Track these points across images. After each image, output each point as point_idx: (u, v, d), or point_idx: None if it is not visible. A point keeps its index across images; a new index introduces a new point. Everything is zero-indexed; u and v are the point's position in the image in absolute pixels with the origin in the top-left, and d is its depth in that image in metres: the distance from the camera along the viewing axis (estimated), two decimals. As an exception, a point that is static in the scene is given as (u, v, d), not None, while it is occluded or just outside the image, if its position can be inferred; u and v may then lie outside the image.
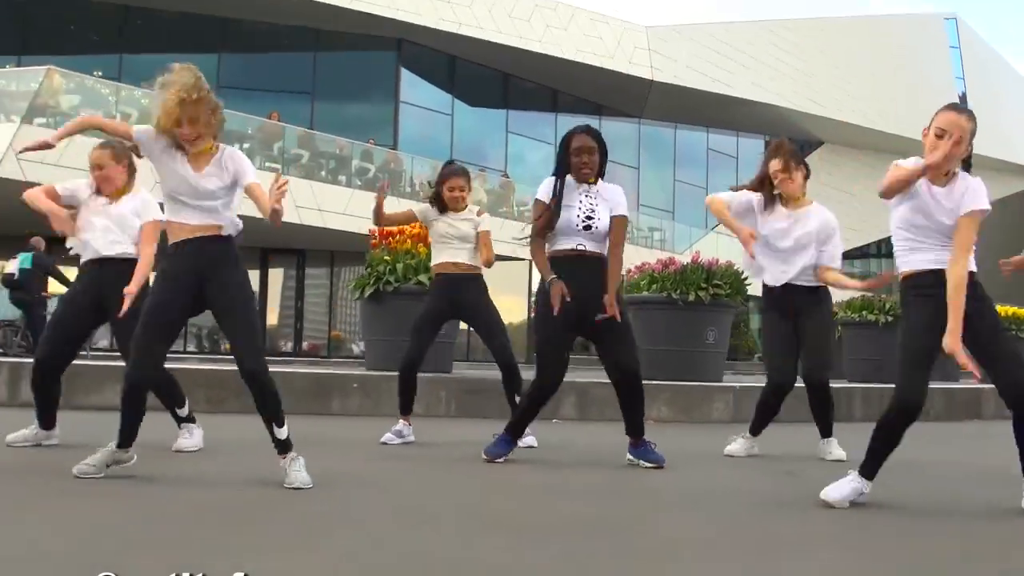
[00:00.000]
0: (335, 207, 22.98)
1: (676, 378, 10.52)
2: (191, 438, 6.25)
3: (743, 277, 10.93)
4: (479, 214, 7.21)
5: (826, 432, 6.81)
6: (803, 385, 6.61)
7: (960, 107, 4.76)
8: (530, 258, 6.12)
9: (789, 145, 6.65)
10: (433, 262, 7.32)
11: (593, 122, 33.30)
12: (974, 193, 4.67)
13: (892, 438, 4.64)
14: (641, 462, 5.99)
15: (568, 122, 37.15)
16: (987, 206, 4.68)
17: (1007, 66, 48.79)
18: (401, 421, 7.21)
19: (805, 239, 6.47)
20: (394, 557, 3.37)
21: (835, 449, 6.73)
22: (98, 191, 6.11)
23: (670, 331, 10.96)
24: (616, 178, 25.48)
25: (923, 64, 41.14)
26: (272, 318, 28.47)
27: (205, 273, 4.87)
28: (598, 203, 5.97)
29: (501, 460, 6.10)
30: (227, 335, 4.92)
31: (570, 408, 9.94)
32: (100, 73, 22.56)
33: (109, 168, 6.07)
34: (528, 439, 6.90)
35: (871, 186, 5.08)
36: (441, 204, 7.17)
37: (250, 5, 25.15)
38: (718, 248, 18.64)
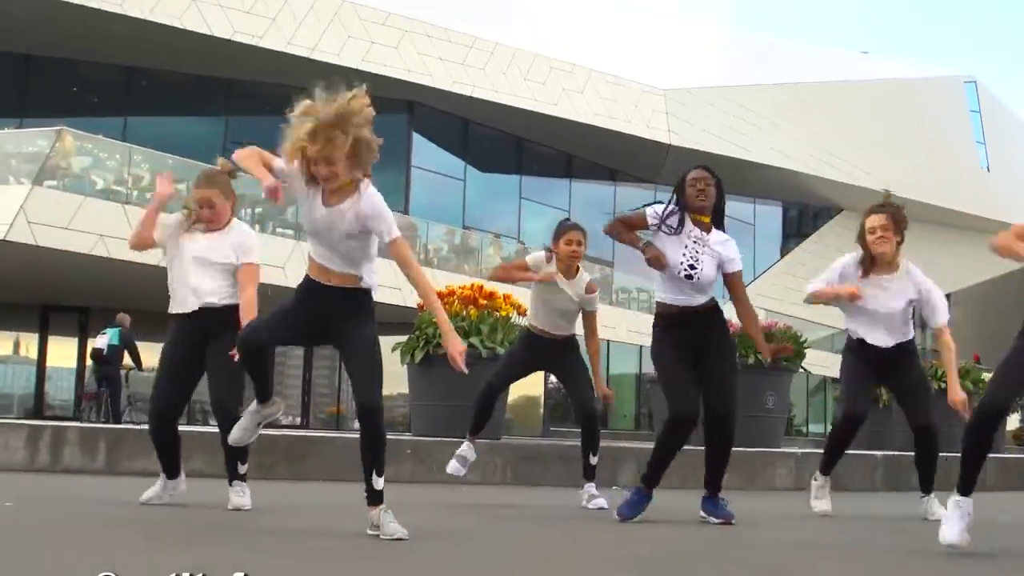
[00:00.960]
0: (347, 274, 23.07)
1: (736, 444, 10.56)
2: (244, 496, 6.23)
3: (802, 341, 11.06)
4: (590, 291, 7.22)
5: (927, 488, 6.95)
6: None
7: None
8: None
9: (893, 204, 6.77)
10: (530, 320, 7.42)
11: (608, 188, 33.77)
12: None
13: None
14: (710, 518, 6.10)
15: (583, 187, 37.69)
16: None
17: (1024, 128, 49.34)
18: (466, 443, 7.50)
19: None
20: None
21: (938, 508, 6.81)
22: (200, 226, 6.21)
23: (729, 396, 11.04)
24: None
25: (943, 129, 41.59)
26: (277, 390, 28.46)
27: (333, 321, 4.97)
28: (705, 255, 6.10)
29: (636, 519, 6.16)
30: (348, 372, 5.02)
31: (629, 476, 10.00)
32: (103, 135, 22.79)
33: (219, 206, 6.16)
34: (598, 500, 7.04)
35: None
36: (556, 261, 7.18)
37: (257, 66, 25.43)
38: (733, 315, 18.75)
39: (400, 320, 24.34)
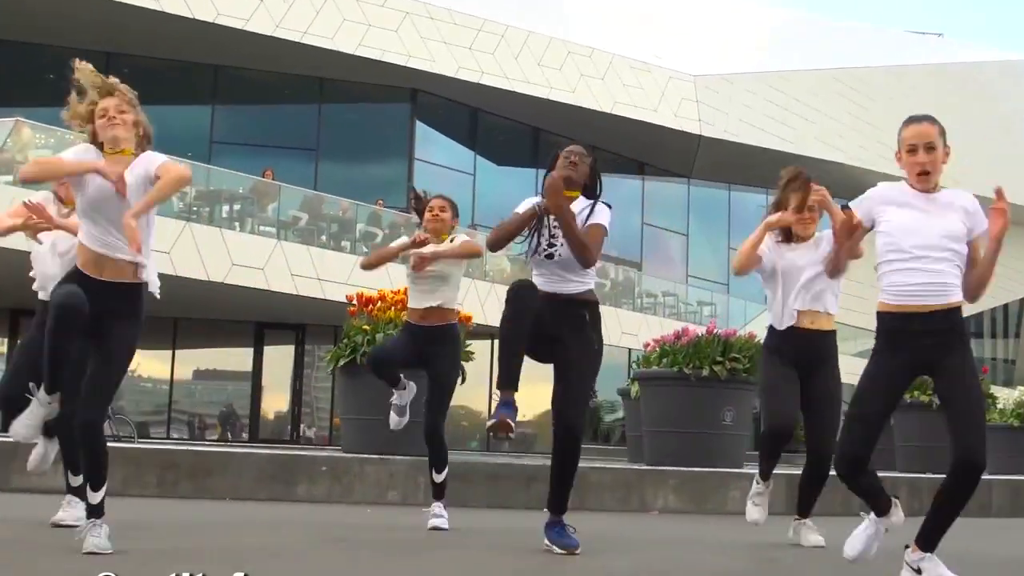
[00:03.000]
0: (338, 276, 23.17)
1: (687, 463, 10.62)
2: (71, 511, 6.40)
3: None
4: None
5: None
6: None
7: (918, 117, 5.29)
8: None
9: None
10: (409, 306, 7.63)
11: (636, 182, 33.74)
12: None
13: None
14: (553, 547, 6.01)
15: (608, 182, 36.70)
16: None
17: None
18: (395, 393, 7.60)
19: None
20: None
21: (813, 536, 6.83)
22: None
23: (681, 411, 11.08)
24: (663, 245, 25.71)
25: (1015, 116, 41.16)
26: (268, 402, 28.68)
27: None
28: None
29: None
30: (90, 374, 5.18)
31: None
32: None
33: None
34: (435, 520, 7.16)
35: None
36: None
37: (247, 52, 25.58)
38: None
39: (324, 321, 24.73)
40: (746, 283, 34.82)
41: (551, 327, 6.02)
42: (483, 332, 13.14)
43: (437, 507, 7.29)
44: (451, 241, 7.37)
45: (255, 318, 26.85)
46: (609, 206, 6.22)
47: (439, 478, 7.36)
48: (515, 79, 28.63)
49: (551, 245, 6.05)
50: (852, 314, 15.59)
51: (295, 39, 25.36)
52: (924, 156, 5.08)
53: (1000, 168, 37.63)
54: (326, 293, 23.15)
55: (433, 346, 7.31)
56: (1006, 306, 46.65)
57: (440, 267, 7.28)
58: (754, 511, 7.04)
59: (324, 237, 24.62)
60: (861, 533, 5.29)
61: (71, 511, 6.36)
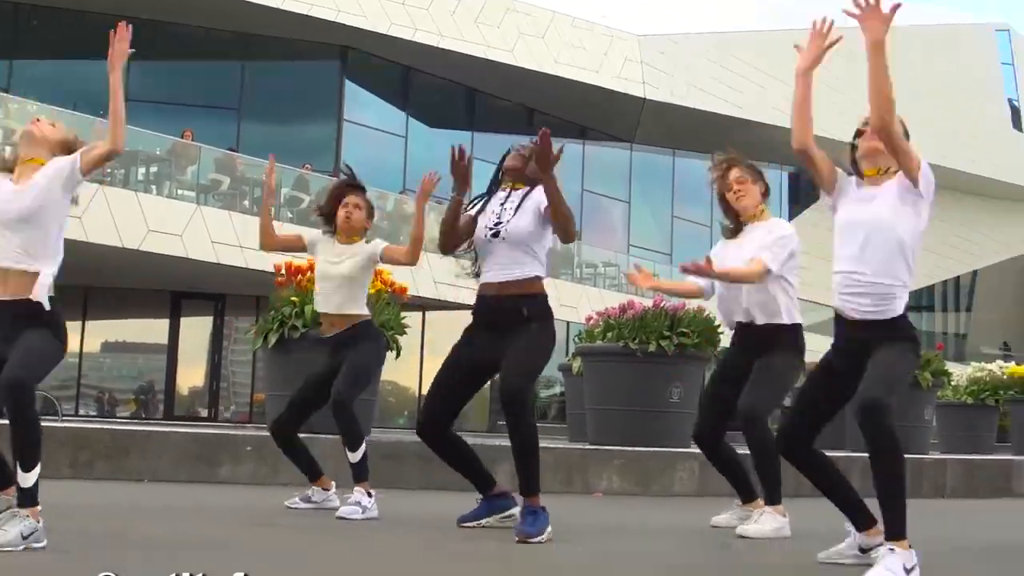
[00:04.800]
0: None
1: (633, 443, 10.63)
2: None
3: (715, 325, 11.06)
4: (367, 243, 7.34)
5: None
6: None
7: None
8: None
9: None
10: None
11: (577, 147, 33.70)
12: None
13: None
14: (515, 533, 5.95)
15: None
16: None
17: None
18: (312, 487, 7.48)
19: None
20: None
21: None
22: None
23: (627, 388, 11.08)
24: (603, 213, 25.84)
25: (970, 83, 41.56)
26: (184, 377, 28.48)
27: None
28: (513, 206, 6.14)
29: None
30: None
31: (504, 477, 10.03)
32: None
33: None
34: (347, 508, 6.98)
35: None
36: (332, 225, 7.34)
37: (165, 4, 25.28)
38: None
39: (245, 291, 24.63)
40: (690, 253, 35.09)
41: (492, 340, 6.10)
42: (415, 304, 13.14)
43: (356, 492, 7.04)
44: (366, 243, 7.29)
45: (172, 287, 26.62)
46: None
47: (354, 457, 7.18)
48: (450, 37, 28.51)
49: (497, 224, 6.06)
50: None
51: (220, -9, 25.12)
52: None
53: (952, 131, 38.10)
54: (248, 262, 22.96)
55: (346, 350, 7.25)
56: (957, 279, 47.22)
57: (348, 269, 7.23)
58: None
59: (247, 202, 24.41)
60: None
61: None
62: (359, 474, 7.14)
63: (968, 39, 42.09)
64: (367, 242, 7.30)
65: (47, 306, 5.02)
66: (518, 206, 6.10)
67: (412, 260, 7.16)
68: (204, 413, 27.57)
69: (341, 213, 7.24)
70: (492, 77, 30.04)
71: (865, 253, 5.05)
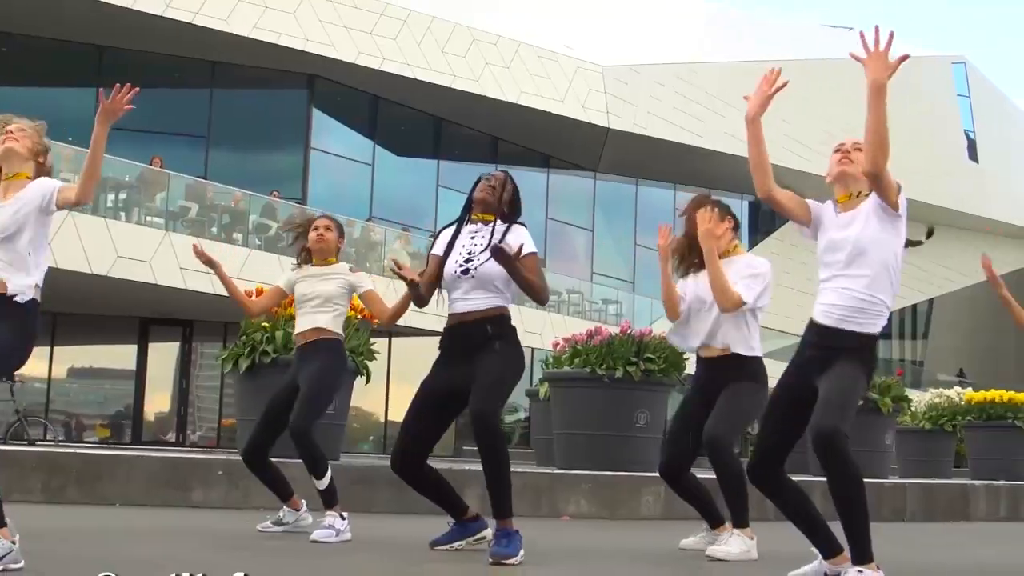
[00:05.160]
0: (229, 270, 22.61)
1: (601, 468, 10.67)
2: None
3: (681, 352, 11.12)
4: (353, 271, 7.41)
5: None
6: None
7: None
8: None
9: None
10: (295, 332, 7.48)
11: (541, 176, 33.79)
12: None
13: None
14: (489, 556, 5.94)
15: (511, 175, 37.06)
16: None
17: (1022, 115, 49.61)
18: (284, 508, 7.44)
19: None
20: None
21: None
22: None
23: (594, 413, 11.13)
24: (567, 241, 25.81)
25: (927, 115, 41.84)
26: (152, 403, 28.34)
27: None
28: (484, 244, 6.15)
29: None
30: None
31: (474, 500, 10.04)
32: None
33: None
34: (320, 531, 6.93)
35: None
36: (307, 255, 7.40)
37: (135, 33, 25.23)
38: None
39: (213, 317, 24.60)
40: (653, 282, 35.15)
41: (458, 366, 6.13)
42: (383, 331, 13.12)
43: (329, 516, 7.01)
44: (348, 268, 7.42)
45: (140, 313, 26.52)
46: (524, 225, 6.30)
47: (321, 484, 7.13)
48: (417, 66, 28.51)
49: (467, 260, 6.12)
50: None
51: (186, 20, 25.04)
52: (849, 147, 5.42)
53: (911, 163, 38.31)
54: (216, 287, 22.71)
55: (305, 366, 7.22)
56: (914, 307, 47.53)
57: (328, 289, 7.26)
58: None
59: (215, 229, 24.38)
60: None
61: None
62: (328, 500, 7.12)
63: (925, 71, 42.38)
64: (351, 269, 7.40)
65: (20, 300, 5.07)
66: (489, 247, 6.12)
67: (383, 321, 7.30)
68: (172, 438, 27.43)
69: (312, 235, 7.33)
70: (458, 106, 30.07)
71: (850, 269, 5.14)
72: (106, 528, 7.49)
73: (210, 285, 22.54)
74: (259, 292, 10.90)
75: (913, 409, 16.54)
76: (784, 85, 5.16)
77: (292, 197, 27.04)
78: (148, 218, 22.80)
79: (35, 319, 5.15)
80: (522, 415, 29.96)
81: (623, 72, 32.40)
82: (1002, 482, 14.06)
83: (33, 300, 5.13)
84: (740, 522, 6.73)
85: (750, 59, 36.20)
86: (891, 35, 4.92)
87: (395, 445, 6.32)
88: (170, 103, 27.53)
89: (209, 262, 7.45)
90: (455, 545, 6.39)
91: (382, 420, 29.34)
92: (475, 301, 6.13)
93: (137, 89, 5.17)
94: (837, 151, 5.34)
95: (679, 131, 33.28)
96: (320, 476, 7.14)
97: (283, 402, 7.21)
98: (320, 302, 7.24)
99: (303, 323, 7.32)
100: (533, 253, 6.14)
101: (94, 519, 8.11)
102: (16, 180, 5.25)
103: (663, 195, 37.04)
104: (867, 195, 5.19)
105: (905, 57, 4.89)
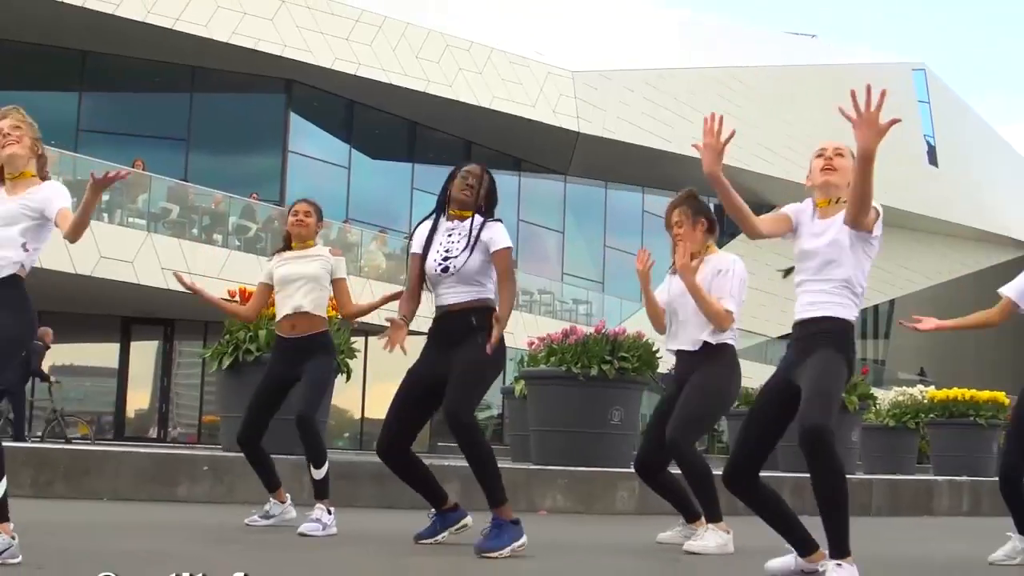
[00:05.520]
0: (209, 270, 22.92)
1: (576, 463, 10.69)
2: None
3: (654, 349, 11.17)
4: (334, 254, 7.40)
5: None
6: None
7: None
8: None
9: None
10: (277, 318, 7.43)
11: (512, 179, 33.77)
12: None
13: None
14: (480, 550, 5.97)
15: None
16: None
17: (980, 121, 49.86)
18: (271, 500, 7.43)
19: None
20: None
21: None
22: None
23: (569, 410, 11.14)
24: (539, 242, 25.87)
25: (884, 116, 41.98)
26: (134, 400, 28.29)
27: None
28: (461, 242, 6.18)
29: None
30: None
31: (454, 494, 10.04)
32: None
33: None
34: (308, 524, 6.90)
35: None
36: (287, 241, 7.42)
37: (116, 38, 25.14)
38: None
39: (193, 316, 24.56)
40: (622, 282, 35.35)
41: (441, 355, 6.17)
42: (360, 329, 13.12)
43: (317, 510, 6.95)
44: (318, 244, 7.41)
45: (122, 312, 26.45)
46: (500, 220, 6.32)
47: (318, 474, 7.11)
48: (392, 71, 28.50)
49: (445, 259, 6.14)
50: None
51: (167, 25, 24.97)
52: (832, 155, 5.38)
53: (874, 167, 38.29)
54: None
55: (304, 361, 7.21)
56: (876, 307, 47.74)
57: (310, 269, 7.24)
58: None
59: (196, 230, 24.34)
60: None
61: None
62: (321, 491, 7.08)
63: (887, 78, 42.43)
64: (331, 251, 7.41)
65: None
66: (468, 246, 6.15)
67: (345, 314, 7.44)
68: (153, 434, 27.35)
69: (292, 220, 7.34)
70: (432, 111, 30.07)
71: (820, 275, 5.18)
72: (94, 522, 7.48)
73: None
74: (242, 292, 10.91)
75: (877, 407, 16.63)
76: (732, 136, 4.98)
77: (270, 199, 27.01)
78: (130, 219, 22.76)
79: (24, 293, 5.19)
80: (495, 412, 29.99)
81: (593, 78, 32.44)
82: (964, 478, 14.13)
83: (15, 276, 5.14)
84: (713, 517, 6.75)
85: (717, 65, 36.44)
86: (883, 94, 4.79)
87: (381, 432, 6.29)
88: (151, 107, 27.53)
89: (191, 289, 7.40)
90: (438, 538, 6.42)
91: (358, 417, 29.31)
92: (459, 294, 6.17)
93: (128, 175, 5.17)
94: (819, 156, 5.33)
95: (648, 136, 33.35)
96: (319, 466, 7.12)
97: (275, 388, 7.26)
98: (303, 283, 7.19)
99: (287, 305, 7.25)
100: (507, 248, 6.18)
101: (82, 513, 8.09)
102: (22, 179, 5.24)
103: (632, 198, 37.17)
104: (845, 203, 5.19)
105: (896, 121, 4.79)
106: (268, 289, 7.45)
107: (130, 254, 21.47)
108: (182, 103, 27.79)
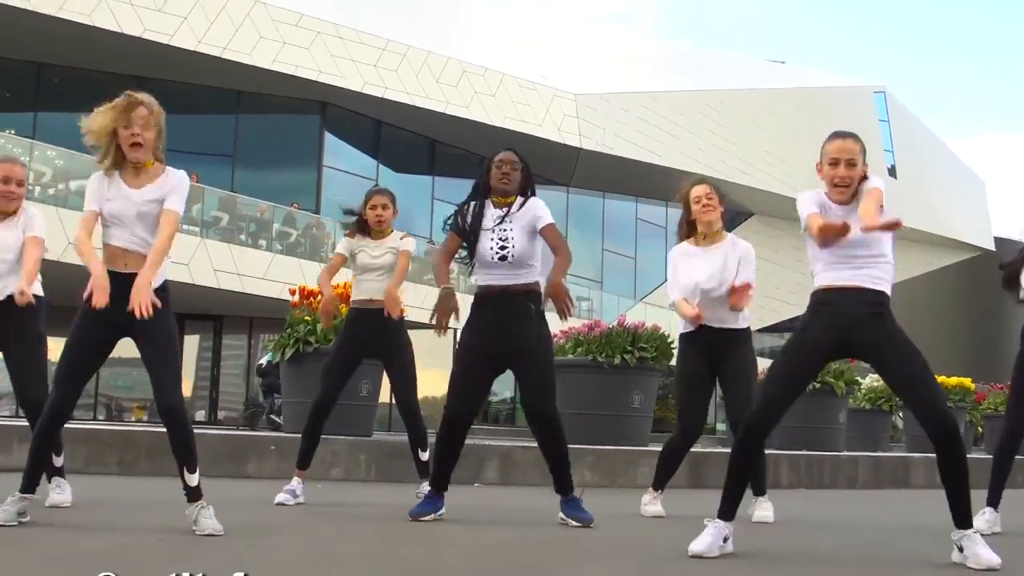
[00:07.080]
0: (255, 272, 22.96)
1: (601, 442, 10.65)
2: (63, 493, 6.17)
3: (669, 341, 11.13)
4: (403, 238, 7.19)
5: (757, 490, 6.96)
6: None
7: (843, 133, 5.07)
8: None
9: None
10: (352, 298, 7.26)
11: (520, 190, 33.73)
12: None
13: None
14: (570, 521, 6.02)
15: None
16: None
17: (933, 137, 49.93)
18: (295, 478, 7.14)
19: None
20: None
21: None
22: None
23: (595, 395, 11.10)
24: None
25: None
26: (187, 387, 28.23)
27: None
28: (513, 228, 6.01)
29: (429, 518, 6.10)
30: (148, 371, 4.95)
31: (493, 472, 10.01)
32: (13, 132, 22.48)
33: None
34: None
35: (803, 258, 5.19)
36: (364, 228, 7.18)
37: (169, 65, 25.16)
38: (646, 318, 18.90)
39: (240, 312, 24.50)
40: (618, 281, 35.26)
41: (501, 330, 5.95)
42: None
43: (424, 485, 6.79)
44: (393, 234, 7.18)
45: (177, 309, 26.22)
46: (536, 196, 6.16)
47: (425, 455, 7.05)
48: (415, 94, 28.51)
49: (503, 248, 5.98)
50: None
51: (215, 54, 25.04)
52: (844, 171, 4.96)
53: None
54: (244, 287, 22.89)
55: (389, 346, 7.05)
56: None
57: (386, 261, 7.08)
58: None
59: (243, 236, 24.33)
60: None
61: (62, 494, 6.16)
62: (426, 471, 6.94)
63: (851, 100, 42.54)
64: (401, 237, 7.20)
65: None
66: (519, 226, 6.00)
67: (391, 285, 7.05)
68: (201, 417, 27.32)
69: (371, 215, 7.10)
70: (450, 129, 30.04)
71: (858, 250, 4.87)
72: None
73: (239, 285, 22.52)
74: (302, 290, 10.85)
75: (860, 391, 16.59)
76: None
77: (308, 208, 27.06)
78: (186, 227, 22.68)
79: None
80: (508, 395, 30.00)
81: (593, 100, 32.42)
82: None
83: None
84: (760, 490, 6.88)
85: (702, 88, 36.47)
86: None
87: (453, 400, 5.99)
88: (202, 127, 27.46)
89: (328, 310, 7.22)
90: (436, 515, 6.14)
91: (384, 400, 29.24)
92: (516, 277, 5.98)
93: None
94: (835, 164, 5.00)
95: (642, 151, 33.34)
96: (424, 448, 7.10)
97: (345, 367, 7.09)
98: (380, 273, 7.04)
99: (365, 290, 7.06)
100: (552, 224, 6.02)
101: (165, 490, 8.00)
102: (147, 168, 5.14)
103: (627, 207, 37.21)
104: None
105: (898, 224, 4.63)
106: (343, 260, 7.22)
107: (185, 257, 21.42)
108: (229, 123, 27.76)
